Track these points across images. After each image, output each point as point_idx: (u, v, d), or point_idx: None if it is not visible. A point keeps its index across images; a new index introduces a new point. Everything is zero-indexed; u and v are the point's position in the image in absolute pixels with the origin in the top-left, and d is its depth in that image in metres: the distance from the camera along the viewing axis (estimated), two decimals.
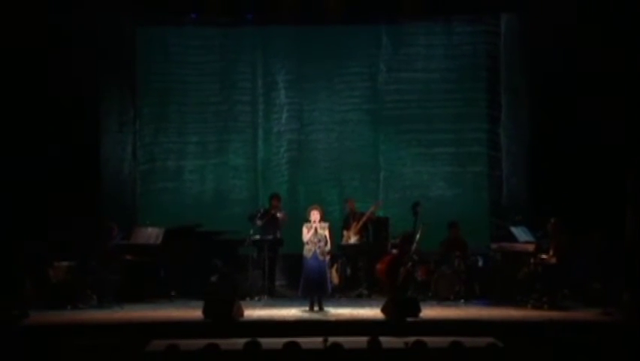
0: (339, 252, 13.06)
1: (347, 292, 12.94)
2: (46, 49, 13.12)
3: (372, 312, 11.07)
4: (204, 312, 10.50)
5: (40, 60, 13.12)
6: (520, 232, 12.42)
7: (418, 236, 12.34)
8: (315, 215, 11.50)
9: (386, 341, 7.82)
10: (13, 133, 13.10)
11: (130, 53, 14.49)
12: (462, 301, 12.17)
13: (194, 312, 10.79)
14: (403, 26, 14.64)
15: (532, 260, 11.73)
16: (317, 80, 14.73)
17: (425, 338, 7.81)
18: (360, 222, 13.09)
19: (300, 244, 11.57)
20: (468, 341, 7.99)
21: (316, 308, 11.34)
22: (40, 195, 13.04)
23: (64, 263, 12.03)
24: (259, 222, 12.95)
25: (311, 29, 14.70)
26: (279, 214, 13.20)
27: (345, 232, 13.21)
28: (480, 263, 12.78)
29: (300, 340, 7.66)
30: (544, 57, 13.54)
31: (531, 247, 11.86)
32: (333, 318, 10.90)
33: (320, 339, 7.87)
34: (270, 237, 12.97)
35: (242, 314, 10.71)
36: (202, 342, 7.77)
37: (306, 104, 14.74)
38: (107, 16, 13.86)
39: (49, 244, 12.16)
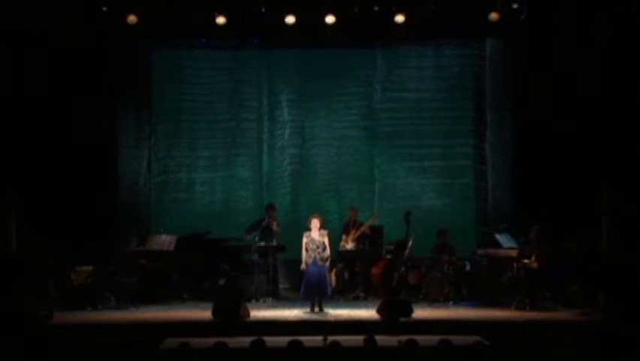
0: (337, 257, 13.07)
1: (345, 295, 12.94)
2: (69, 71, 13.21)
3: (368, 313, 11.08)
4: (214, 313, 10.51)
5: (65, 81, 13.17)
6: (504, 239, 12.41)
7: (410, 243, 12.39)
8: (315, 223, 11.51)
9: (381, 339, 7.85)
10: (43, 149, 13.15)
11: (146, 75, 14.57)
12: (451, 302, 12.16)
13: (205, 313, 10.80)
14: (397, 50, 14.68)
15: (515, 265, 11.72)
16: (317, 99, 14.75)
17: (417, 337, 7.84)
18: (359, 232, 13.10)
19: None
20: (456, 339, 8.04)
21: (317, 309, 11.33)
22: (64, 205, 13.07)
23: (86, 268, 12.07)
24: (251, 235, 12.97)
25: (312, 52, 14.73)
26: (273, 225, 13.18)
27: (344, 236, 13.19)
28: (467, 268, 12.77)
29: (302, 338, 7.70)
30: (526, 78, 13.62)
31: (514, 253, 11.85)
32: (332, 318, 10.91)
33: (320, 338, 7.92)
34: (274, 244, 12.99)
35: (248, 315, 10.73)
36: (212, 340, 7.81)
37: (307, 121, 14.76)
38: (126, 42, 13.96)
39: (72, 250, 12.18)
